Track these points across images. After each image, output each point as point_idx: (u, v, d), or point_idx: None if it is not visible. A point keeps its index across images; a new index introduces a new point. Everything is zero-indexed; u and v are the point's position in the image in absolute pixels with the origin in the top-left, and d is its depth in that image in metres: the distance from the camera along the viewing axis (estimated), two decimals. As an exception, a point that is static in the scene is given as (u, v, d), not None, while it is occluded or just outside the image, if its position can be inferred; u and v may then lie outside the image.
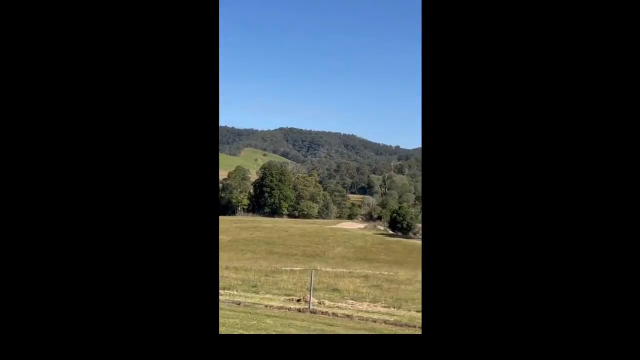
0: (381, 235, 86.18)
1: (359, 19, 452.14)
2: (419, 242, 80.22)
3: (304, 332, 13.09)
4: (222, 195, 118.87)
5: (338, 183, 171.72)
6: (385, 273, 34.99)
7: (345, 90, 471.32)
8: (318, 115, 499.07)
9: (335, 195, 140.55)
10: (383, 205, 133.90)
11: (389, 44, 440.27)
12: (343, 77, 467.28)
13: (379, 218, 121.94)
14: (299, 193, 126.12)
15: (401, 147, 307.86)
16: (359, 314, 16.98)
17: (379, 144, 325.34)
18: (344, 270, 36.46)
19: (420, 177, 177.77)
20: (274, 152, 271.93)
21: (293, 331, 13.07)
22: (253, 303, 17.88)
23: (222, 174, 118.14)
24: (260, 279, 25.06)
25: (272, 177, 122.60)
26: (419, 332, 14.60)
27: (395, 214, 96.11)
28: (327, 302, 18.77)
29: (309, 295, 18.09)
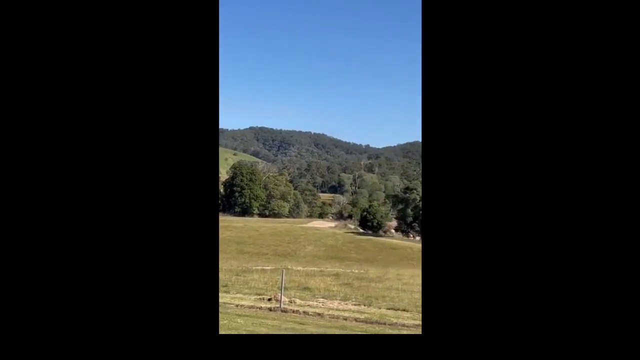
0: (352, 234, 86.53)
1: (328, 18, 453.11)
2: (389, 240, 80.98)
3: (275, 331, 13.11)
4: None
5: (309, 182, 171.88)
6: (356, 271, 35.23)
7: (316, 89, 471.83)
8: (288, 114, 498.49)
9: (306, 194, 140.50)
10: (353, 204, 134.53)
11: (360, 42, 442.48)
12: (314, 77, 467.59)
13: (350, 217, 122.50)
14: (270, 192, 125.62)
15: (371, 145, 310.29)
16: (330, 312, 17.07)
17: (349, 143, 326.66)
18: (315, 269, 36.58)
19: (389, 176, 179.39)
20: (245, 151, 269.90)
21: (264, 330, 13.08)
22: (224, 303, 17.78)
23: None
24: (231, 278, 24.91)
25: (243, 176, 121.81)
26: (389, 329, 14.80)
27: (365, 213, 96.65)
28: (298, 301, 18.82)
29: (280, 294, 18.11)
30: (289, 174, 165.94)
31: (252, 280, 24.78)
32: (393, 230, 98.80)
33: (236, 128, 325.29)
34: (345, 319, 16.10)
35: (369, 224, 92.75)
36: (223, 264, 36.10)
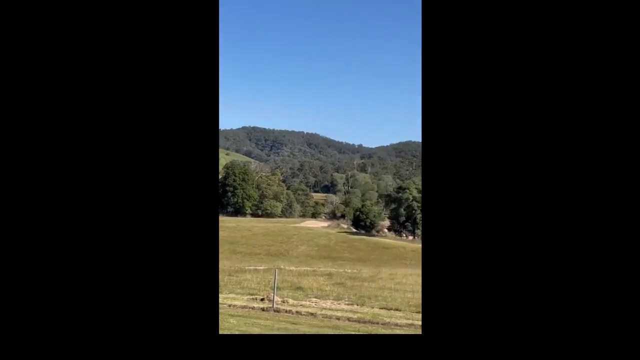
0: (344, 234, 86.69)
1: (319, 18, 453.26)
2: (382, 239, 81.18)
3: (267, 331, 13.08)
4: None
5: (301, 182, 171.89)
6: (349, 271, 35.25)
7: (309, 90, 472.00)
8: (281, 114, 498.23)
9: (298, 194, 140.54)
10: (346, 203, 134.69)
11: (350, 44, 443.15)
12: (310, 77, 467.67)
13: (343, 216, 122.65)
14: (263, 192, 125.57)
15: (364, 145, 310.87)
16: (323, 311, 17.06)
17: (342, 142, 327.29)
18: (308, 268, 36.59)
19: (382, 176, 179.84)
20: (237, 151, 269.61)
21: (257, 330, 13.04)
22: (216, 303, 17.72)
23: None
24: (223, 278, 24.82)
25: (235, 176, 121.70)
26: (382, 329, 14.81)
27: (358, 212, 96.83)
28: (290, 301, 18.80)
29: (272, 294, 18.08)
30: (282, 173, 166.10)
31: (244, 280, 24.75)
32: (386, 230, 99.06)
33: (229, 128, 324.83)
34: (338, 318, 16.10)
35: (362, 224, 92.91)
36: (215, 264, 35.99)
